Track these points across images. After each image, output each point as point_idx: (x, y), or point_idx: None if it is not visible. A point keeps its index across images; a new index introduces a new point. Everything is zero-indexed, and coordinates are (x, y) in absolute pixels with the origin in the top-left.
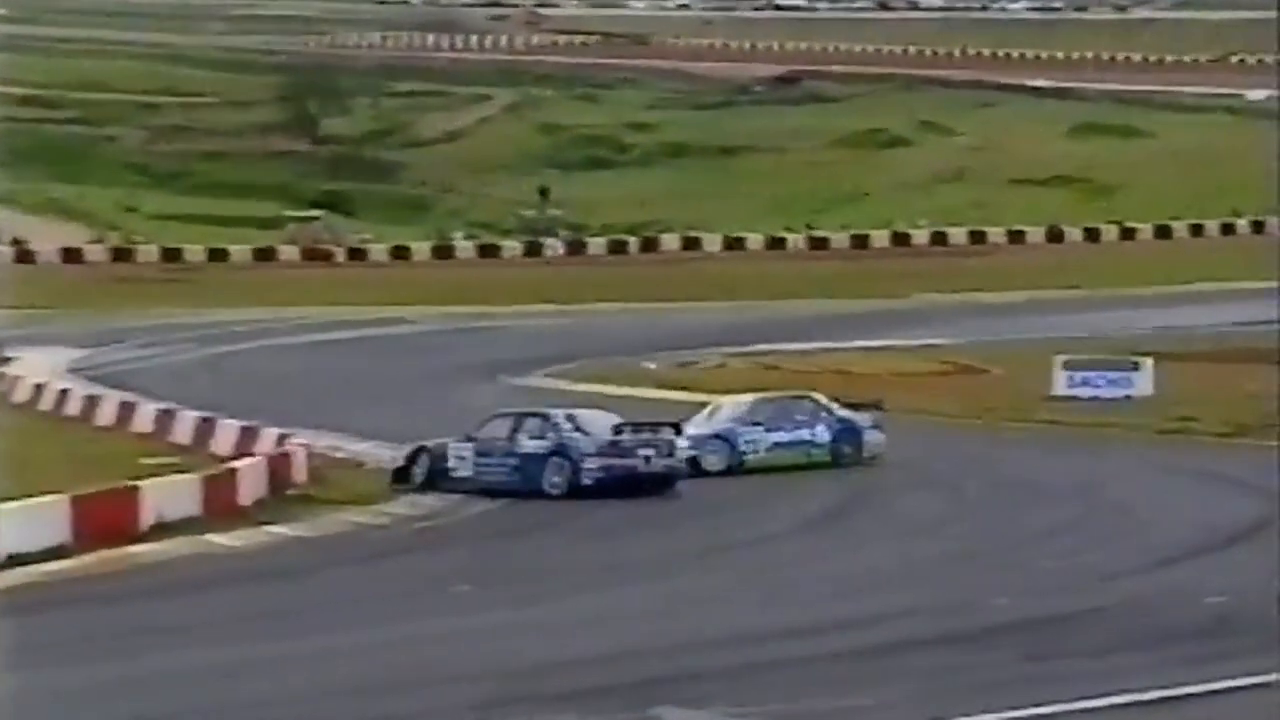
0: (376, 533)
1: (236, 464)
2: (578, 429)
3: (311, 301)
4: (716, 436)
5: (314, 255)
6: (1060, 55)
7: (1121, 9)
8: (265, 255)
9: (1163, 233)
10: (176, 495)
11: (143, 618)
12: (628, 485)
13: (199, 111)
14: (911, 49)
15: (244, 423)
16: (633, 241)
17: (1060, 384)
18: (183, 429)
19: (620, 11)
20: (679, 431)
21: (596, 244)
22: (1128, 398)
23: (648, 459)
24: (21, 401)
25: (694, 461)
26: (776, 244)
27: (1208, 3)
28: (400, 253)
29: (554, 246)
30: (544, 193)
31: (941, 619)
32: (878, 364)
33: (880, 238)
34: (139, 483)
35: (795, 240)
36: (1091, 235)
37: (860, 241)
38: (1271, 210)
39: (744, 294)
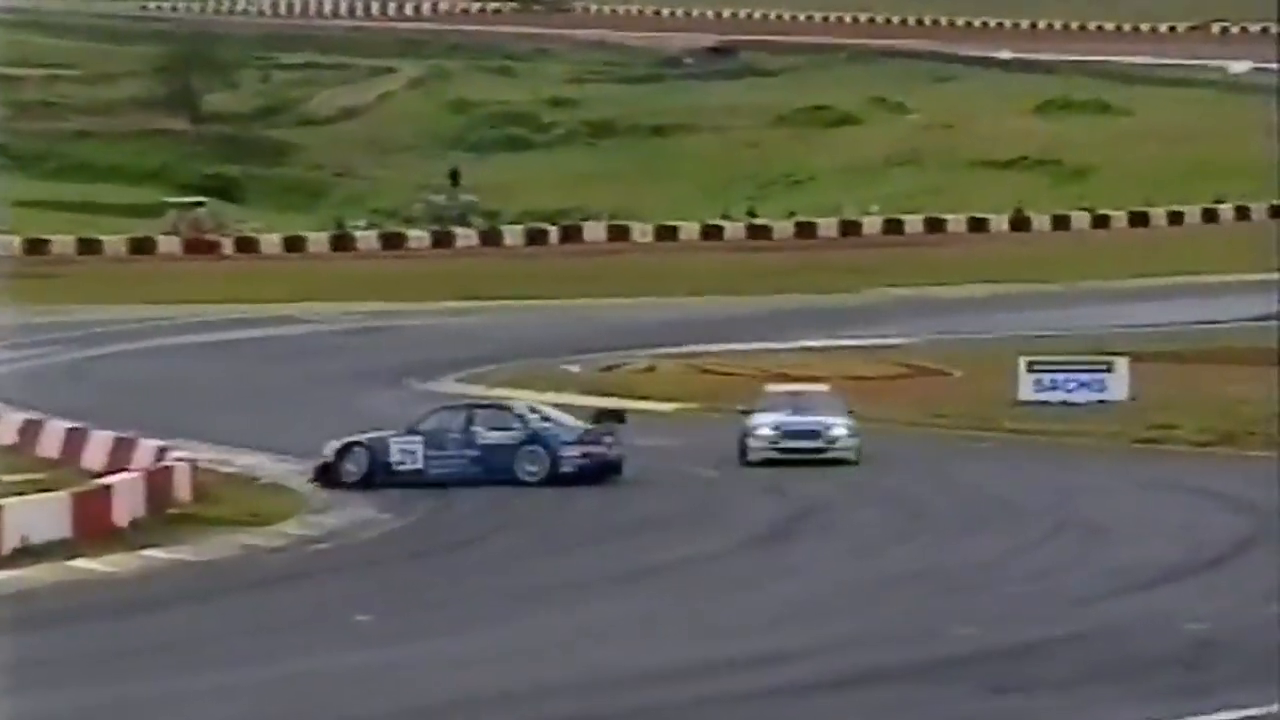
0: (270, 556)
1: (111, 480)
2: (545, 419)
3: (195, 298)
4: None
5: (197, 247)
6: (1026, 24)
7: None
8: (142, 247)
9: (1139, 220)
10: (43, 515)
11: (2, 653)
12: (601, 472)
13: (65, 85)
14: (861, 16)
15: (119, 434)
16: (553, 231)
17: (1027, 388)
18: (50, 441)
19: None
20: (623, 419)
21: (513, 233)
22: (1101, 402)
23: (610, 445)
24: None
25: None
26: (712, 233)
27: None
28: (294, 244)
29: (466, 236)
30: (454, 176)
31: (895, 649)
32: (825, 366)
33: (827, 226)
34: (0, 501)
35: (733, 229)
36: (1061, 223)
37: (805, 230)
38: (1260, 195)
39: (676, 289)
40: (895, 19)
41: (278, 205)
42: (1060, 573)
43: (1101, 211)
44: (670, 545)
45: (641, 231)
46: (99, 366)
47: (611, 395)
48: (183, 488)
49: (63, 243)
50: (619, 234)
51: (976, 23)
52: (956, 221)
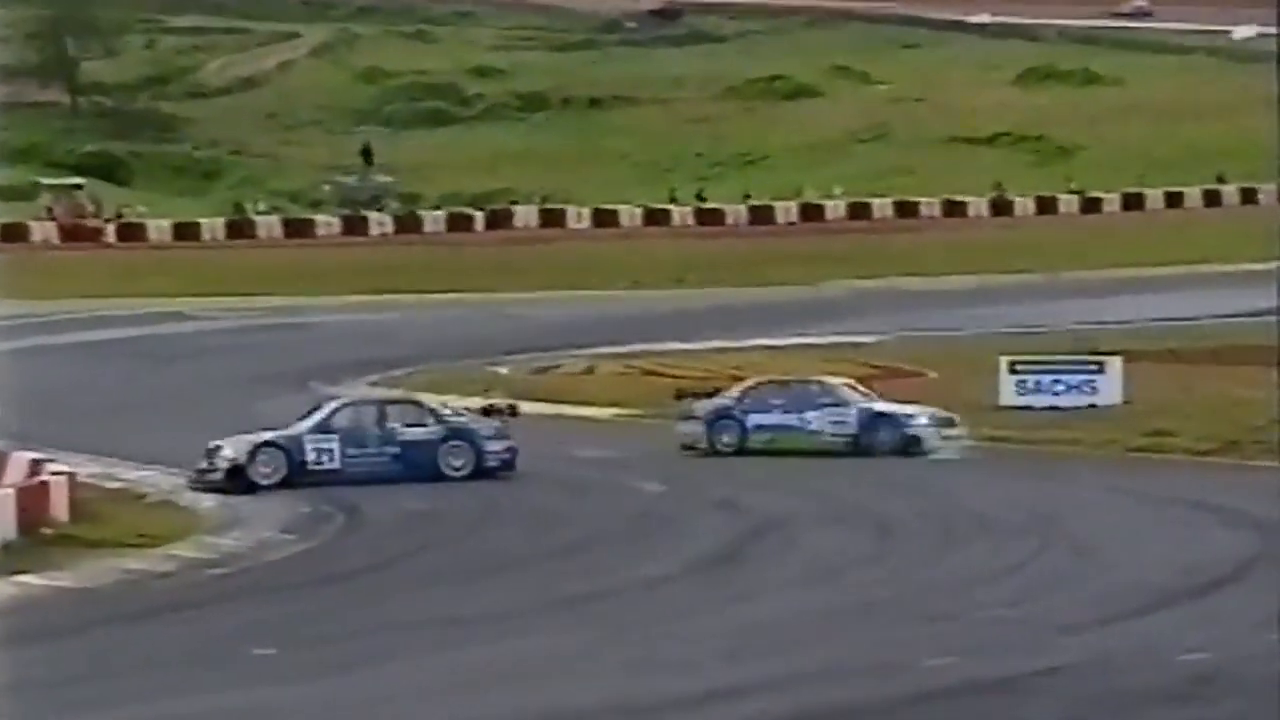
0: (159, 582)
1: None
2: (457, 415)
3: (73, 291)
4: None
5: (75, 234)
6: None
7: None
8: (13, 234)
9: (1133, 203)
10: None
11: None
12: (512, 464)
13: None
14: None
15: None
16: (479, 216)
17: (1009, 391)
18: None
19: None
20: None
21: (433, 219)
22: (1091, 407)
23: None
24: None
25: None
26: (657, 218)
27: None
28: (185, 230)
29: (380, 222)
30: (366, 155)
31: (861, 683)
32: (784, 366)
33: (785, 210)
34: None
35: (680, 213)
36: (1045, 206)
37: (761, 215)
38: (1264, 175)
39: (616, 280)
40: None
41: (166, 187)
42: (1044, 597)
43: (1090, 193)
44: (609, 569)
45: (577, 216)
46: None
47: (544, 400)
48: (59, 506)
49: None
50: (552, 219)
51: None
52: (929, 204)
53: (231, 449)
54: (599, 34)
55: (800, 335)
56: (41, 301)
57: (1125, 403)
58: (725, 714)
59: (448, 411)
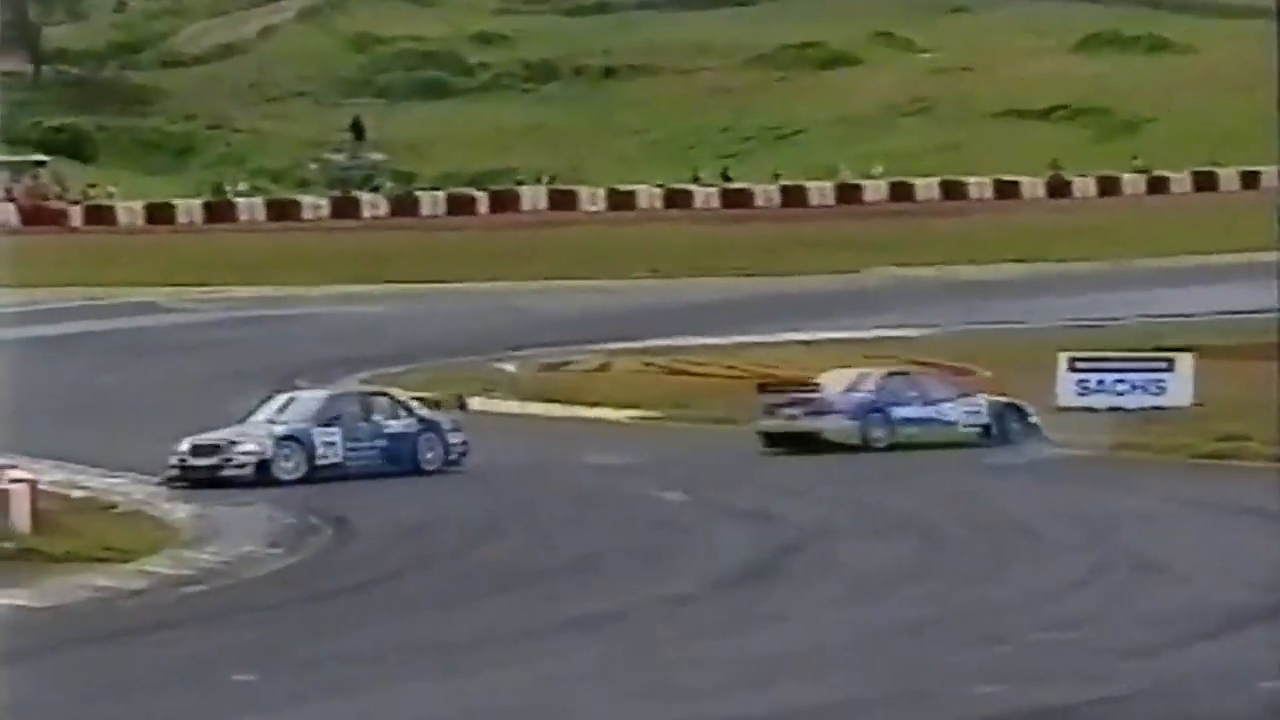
0: (130, 601)
1: None
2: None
3: (35, 280)
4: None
5: (37, 216)
6: None
7: None
8: None
9: (1205, 182)
10: None
11: None
12: (465, 457)
13: None
14: None
15: None
16: (481, 197)
17: (1068, 391)
18: None
19: None
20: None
21: (431, 200)
22: (1158, 408)
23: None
24: None
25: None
26: (677, 200)
27: None
28: (159, 213)
29: (373, 204)
30: (357, 130)
31: (903, 712)
32: (818, 363)
33: (820, 191)
34: None
35: (703, 195)
36: (1108, 186)
37: (793, 196)
38: None
39: (633, 269)
40: None
41: (137, 165)
42: (1104, 619)
43: (1158, 172)
44: (623, 586)
45: (591, 198)
46: None
47: (553, 400)
48: (20, 516)
49: None
50: (563, 201)
51: None
52: (979, 185)
53: (253, 443)
54: None
55: (837, 329)
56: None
57: (1196, 404)
58: None
59: (415, 403)
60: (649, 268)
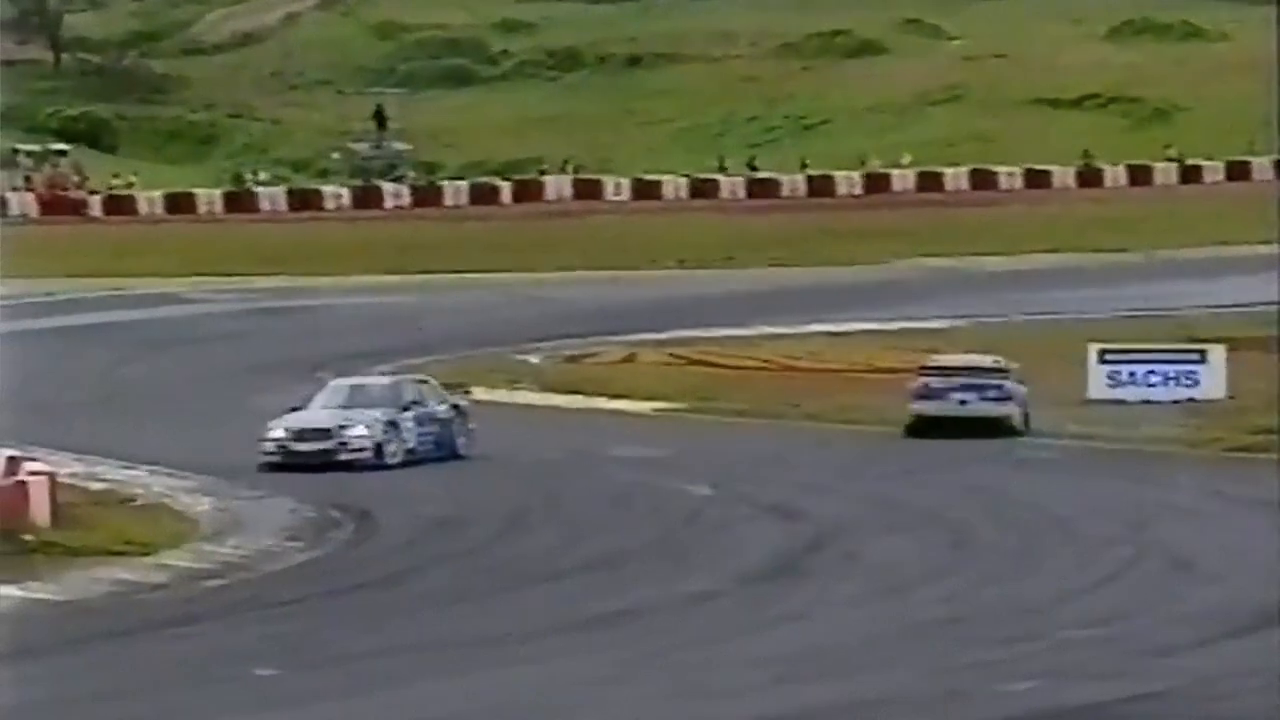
0: (151, 595)
1: None
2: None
3: (54, 270)
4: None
5: (57, 206)
6: None
7: None
8: None
9: (1238, 172)
10: None
11: None
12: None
13: None
14: None
15: None
16: (505, 187)
17: (1099, 383)
18: None
19: None
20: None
21: (455, 190)
22: (1191, 401)
23: None
24: None
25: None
26: (703, 190)
27: None
28: (179, 203)
29: (396, 194)
30: (380, 118)
31: (931, 711)
32: (845, 355)
33: (847, 181)
34: None
35: (729, 184)
36: (1140, 176)
37: (820, 186)
38: None
39: (658, 259)
40: None
41: (157, 154)
42: (1135, 616)
43: (1191, 161)
44: (647, 583)
45: (615, 187)
46: None
47: (578, 392)
48: (40, 509)
49: None
50: (587, 190)
51: None
52: (1009, 175)
53: (363, 427)
54: None
55: (864, 320)
56: (17, 281)
57: (1229, 397)
58: None
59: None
60: (674, 258)
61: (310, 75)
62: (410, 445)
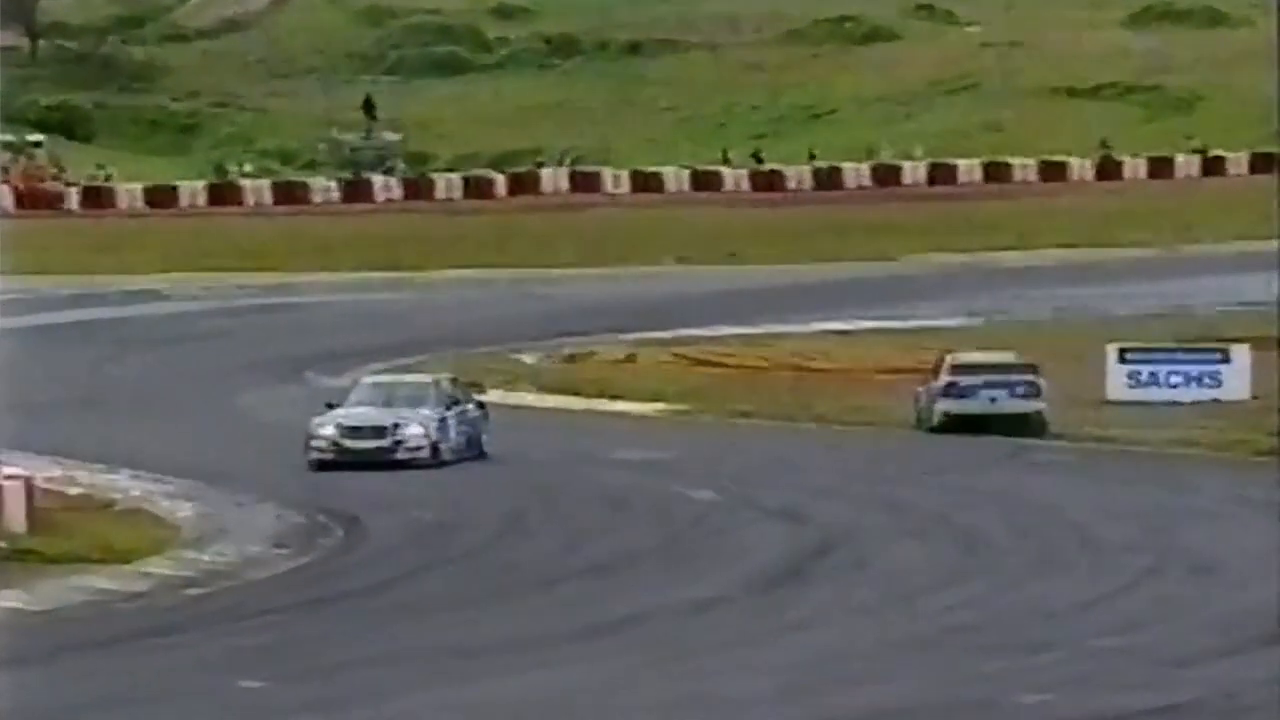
0: (131, 604)
1: None
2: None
3: (30, 266)
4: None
5: (33, 199)
6: None
7: None
8: None
9: (1262, 164)
10: None
11: None
12: None
13: None
14: None
15: None
16: (499, 180)
17: (1118, 383)
18: None
19: None
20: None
21: (447, 183)
22: (1215, 402)
23: None
24: None
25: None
26: (706, 182)
27: None
28: (160, 196)
29: (386, 186)
30: (369, 108)
31: None
32: (855, 355)
33: (857, 173)
34: None
35: (733, 177)
36: (1160, 167)
37: (828, 178)
38: None
39: (659, 255)
40: None
41: (138, 145)
42: (1156, 624)
43: (1214, 153)
44: (648, 590)
45: (614, 180)
46: None
47: (577, 393)
48: (15, 514)
49: None
50: (585, 183)
51: None
52: (1024, 167)
53: (417, 425)
54: None
55: (874, 318)
56: None
57: (1253, 397)
58: None
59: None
60: (676, 254)
61: (297, 63)
62: (457, 444)
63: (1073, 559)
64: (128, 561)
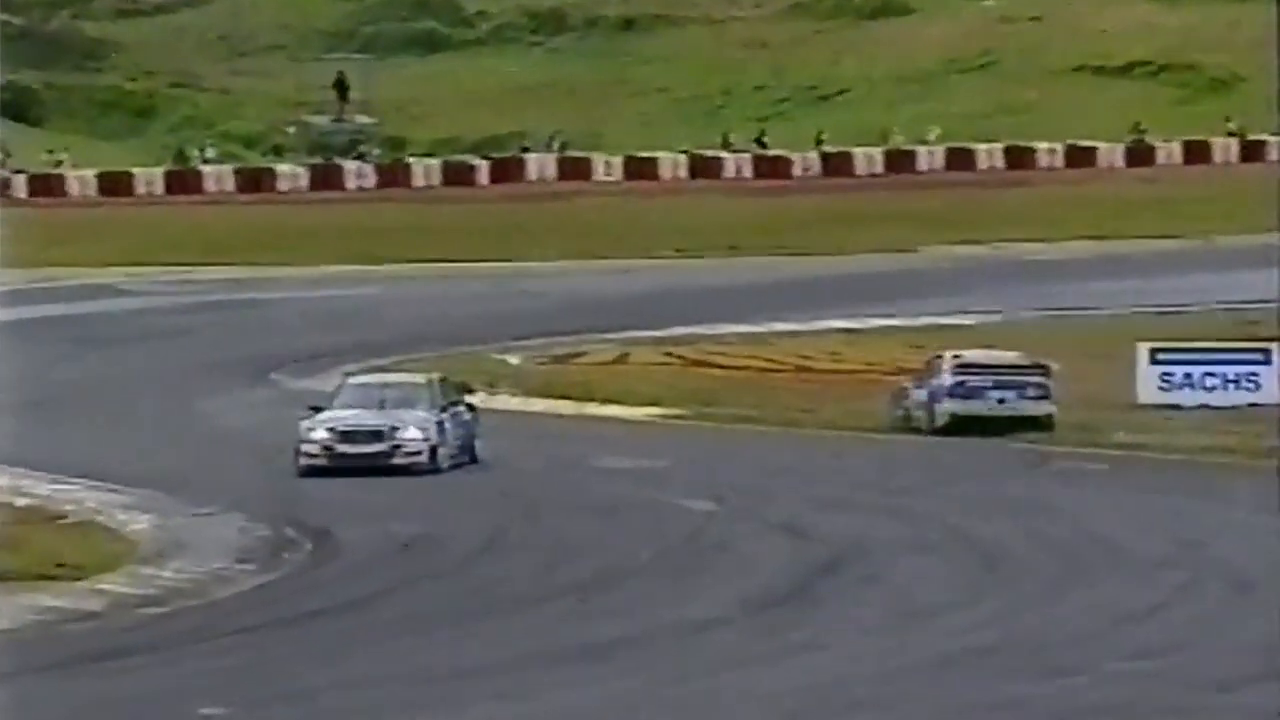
0: (83, 625)
1: None
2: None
3: None
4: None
5: None
6: None
7: None
8: None
9: None
10: None
11: None
12: None
13: None
14: None
15: None
16: (481, 166)
17: (1149, 386)
18: None
19: None
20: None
21: (425, 169)
22: (1253, 406)
23: None
24: None
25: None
26: (705, 168)
27: None
28: (114, 183)
29: (359, 173)
30: (341, 88)
31: None
32: (864, 355)
33: (868, 158)
34: None
35: (735, 162)
36: (1196, 153)
37: (837, 164)
38: None
39: (654, 247)
40: None
41: (91, 129)
42: (1190, 646)
43: (1252, 136)
44: (643, 609)
45: (606, 166)
46: None
47: (565, 396)
48: None
49: None
50: (574, 170)
51: None
52: (1048, 151)
53: (415, 429)
54: None
55: (886, 315)
56: None
57: None
58: None
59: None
60: (672, 246)
61: (262, 39)
62: (451, 450)
63: (1100, 575)
64: (80, 578)
